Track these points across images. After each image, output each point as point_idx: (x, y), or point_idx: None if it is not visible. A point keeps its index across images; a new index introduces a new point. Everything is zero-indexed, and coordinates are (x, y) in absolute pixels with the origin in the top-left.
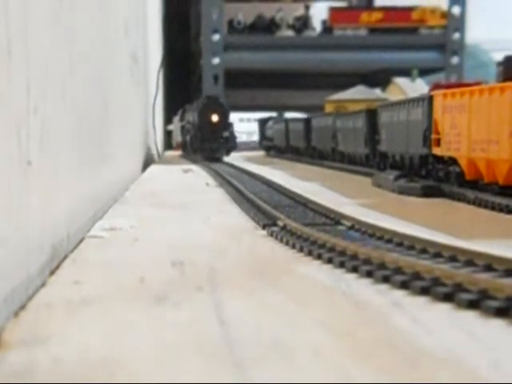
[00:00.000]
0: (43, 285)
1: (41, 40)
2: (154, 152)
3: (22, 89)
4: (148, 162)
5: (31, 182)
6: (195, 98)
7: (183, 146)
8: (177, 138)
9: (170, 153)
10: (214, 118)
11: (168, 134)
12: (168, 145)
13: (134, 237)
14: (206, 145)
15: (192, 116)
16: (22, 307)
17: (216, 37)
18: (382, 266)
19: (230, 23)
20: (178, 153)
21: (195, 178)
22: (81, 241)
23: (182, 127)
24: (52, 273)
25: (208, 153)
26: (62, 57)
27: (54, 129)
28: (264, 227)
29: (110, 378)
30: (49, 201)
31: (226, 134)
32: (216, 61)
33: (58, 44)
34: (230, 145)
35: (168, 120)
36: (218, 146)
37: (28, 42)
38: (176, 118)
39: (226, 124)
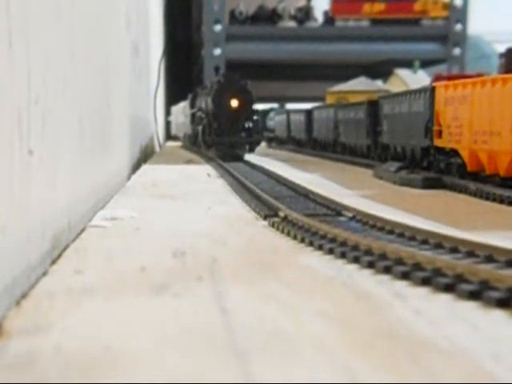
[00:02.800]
0: (45, 274)
1: (41, 31)
2: (156, 143)
3: (23, 79)
4: (148, 153)
5: (32, 172)
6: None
7: (193, 139)
8: (182, 128)
9: (170, 143)
10: (234, 103)
11: (168, 125)
12: (168, 135)
13: (135, 226)
14: (224, 139)
15: (205, 102)
16: (24, 296)
17: (217, 27)
18: (383, 256)
19: (232, 13)
20: (178, 144)
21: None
22: (82, 230)
23: (192, 115)
24: (53, 262)
25: (225, 149)
26: (63, 48)
27: (56, 119)
28: (265, 218)
29: (111, 365)
30: (50, 190)
31: (248, 124)
32: (217, 51)
33: (59, 36)
34: (255, 139)
35: (169, 111)
36: (239, 141)
37: (29, 33)
38: (177, 107)
39: (249, 111)
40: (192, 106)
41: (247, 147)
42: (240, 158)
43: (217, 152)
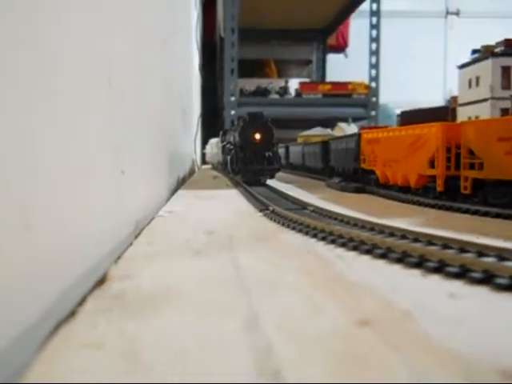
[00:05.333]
0: (131, 244)
1: (129, 100)
2: (196, 165)
3: (119, 127)
4: (192, 171)
5: (124, 184)
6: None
7: (223, 166)
8: (215, 157)
9: (204, 166)
10: (257, 136)
11: (203, 155)
12: (203, 161)
13: (183, 216)
14: (249, 166)
15: (233, 136)
16: (119, 258)
17: (233, 98)
18: (330, 233)
19: (241, 90)
20: (209, 166)
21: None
22: (152, 219)
23: (223, 148)
24: (136, 237)
25: (250, 175)
26: (142, 110)
27: (137, 152)
28: (260, 211)
29: (169, 296)
30: (134, 195)
31: (269, 154)
32: (233, 112)
33: (140, 104)
34: (275, 167)
35: (203, 147)
36: (262, 168)
37: (122, 100)
38: (210, 142)
39: (269, 143)
40: (222, 140)
41: (268, 174)
42: (262, 183)
43: (243, 178)
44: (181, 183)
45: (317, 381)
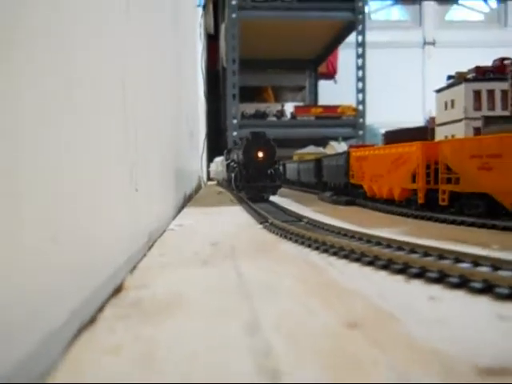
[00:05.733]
0: (144, 255)
1: (143, 123)
2: (202, 181)
3: (133, 147)
4: (198, 187)
5: (138, 201)
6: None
7: (228, 183)
8: (220, 174)
9: (209, 182)
10: (260, 154)
11: (209, 173)
12: (209, 178)
13: (192, 229)
14: (252, 183)
15: (237, 154)
16: (134, 268)
17: (234, 121)
18: (323, 243)
19: (242, 114)
20: (214, 183)
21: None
22: (163, 231)
23: (228, 165)
24: (149, 249)
25: (254, 192)
26: (155, 134)
27: (150, 171)
28: (260, 223)
29: (180, 303)
30: (148, 210)
31: (271, 171)
32: (235, 133)
33: (153, 127)
34: (277, 184)
35: (209, 165)
36: (265, 185)
37: (136, 122)
38: (215, 161)
39: (272, 161)
40: (227, 158)
41: (271, 191)
42: (265, 200)
43: (247, 194)
44: (188, 200)
45: (312, 377)
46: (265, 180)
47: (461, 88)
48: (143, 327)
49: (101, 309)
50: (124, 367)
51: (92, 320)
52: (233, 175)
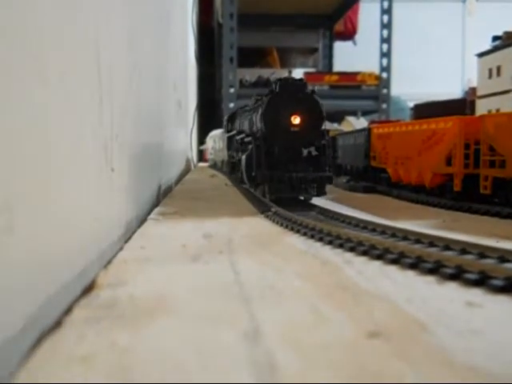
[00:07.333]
0: (121, 248)
1: (119, 94)
2: (191, 164)
3: (108, 124)
4: (188, 169)
5: (114, 182)
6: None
7: (230, 169)
8: (220, 154)
9: (201, 164)
10: (296, 120)
11: (200, 152)
12: (200, 159)
13: (178, 218)
14: (281, 173)
15: (249, 121)
16: (109, 262)
17: (231, 90)
18: (337, 237)
19: (241, 81)
20: (206, 165)
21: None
22: (144, 221)
23: (230, 141)
24: (126, 241)
25: (284, 189)
26: (133, 105)
27: (127, 149)
28: (262, 212)
29: (163, 306)
30: (125, 194)
31: (313, 150)
32: (231, 105)
33: (131, 97)
34: (326, 175)
35: (200, 142)
36: (305, 177)
37: (112, 96)
38: (209, 138)
39: (317, 133)
40: (229, 129)
41: (315, 187)
42: (306, 203)
43: (270, 194)
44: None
45: None
46: (305, 167)
47: (510, 51)
48: (118, 333)
49: (68, 311)
50: (95, 381)
51: (57, 325)
52: (244, 158)
